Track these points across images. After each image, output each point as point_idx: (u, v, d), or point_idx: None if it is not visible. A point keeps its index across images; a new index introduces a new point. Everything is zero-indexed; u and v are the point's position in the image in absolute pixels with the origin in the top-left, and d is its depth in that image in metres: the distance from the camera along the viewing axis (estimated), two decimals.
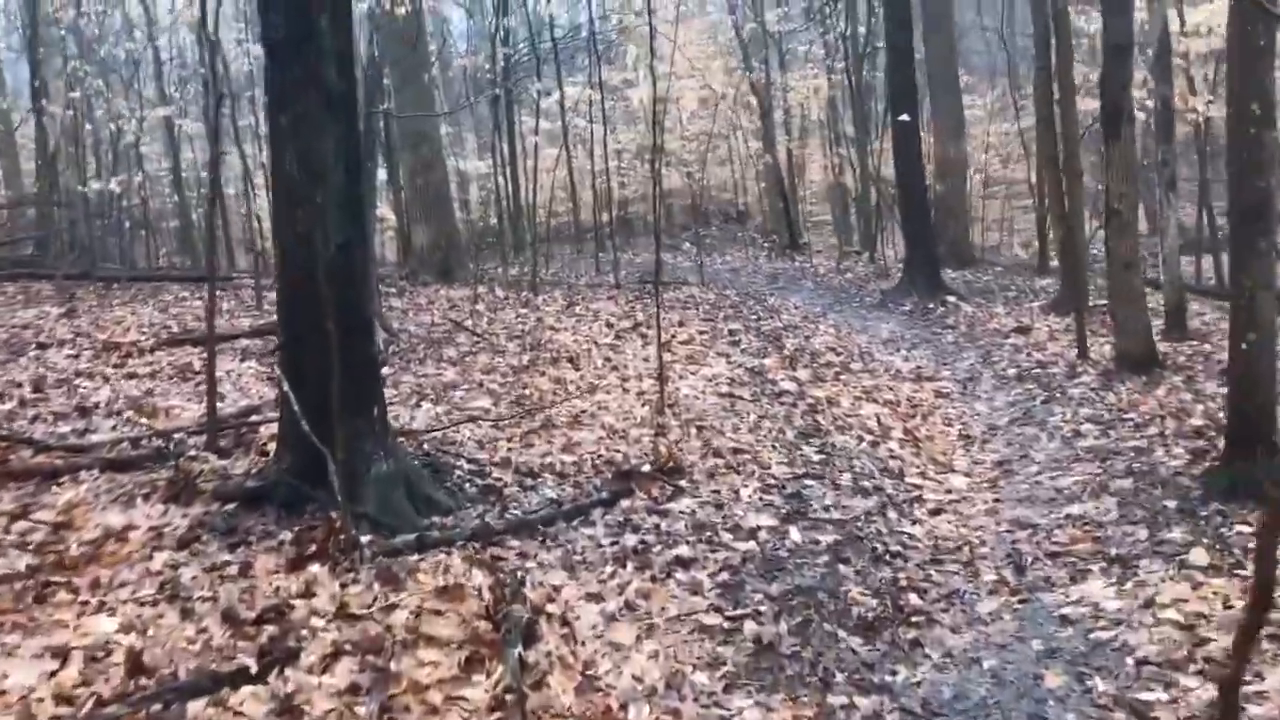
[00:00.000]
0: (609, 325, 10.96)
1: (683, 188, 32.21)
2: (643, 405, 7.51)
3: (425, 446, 6.16)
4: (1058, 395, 8.17)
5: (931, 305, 12.89)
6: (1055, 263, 18.40)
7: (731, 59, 25.65)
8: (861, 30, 22.46)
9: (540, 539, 5.04)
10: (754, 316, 12.15)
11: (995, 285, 15.00)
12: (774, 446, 6.73)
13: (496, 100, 22.42)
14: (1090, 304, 11.56)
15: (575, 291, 14.28)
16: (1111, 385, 8.20)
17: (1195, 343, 9.81)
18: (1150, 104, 14.19)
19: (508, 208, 28.80)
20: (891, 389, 8.61)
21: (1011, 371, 9.09)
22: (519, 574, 4.52)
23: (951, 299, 13.39)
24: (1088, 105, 12.44)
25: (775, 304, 13.93)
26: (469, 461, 6.01)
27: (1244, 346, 5.22)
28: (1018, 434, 7.40)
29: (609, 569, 4.75)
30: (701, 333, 10.64)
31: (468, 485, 5.71)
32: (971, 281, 15.55)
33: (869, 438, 7.17)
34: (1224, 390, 7.72)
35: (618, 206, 34.87)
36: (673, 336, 10.32)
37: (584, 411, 7.30)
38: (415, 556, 4.64)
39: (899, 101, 13.69)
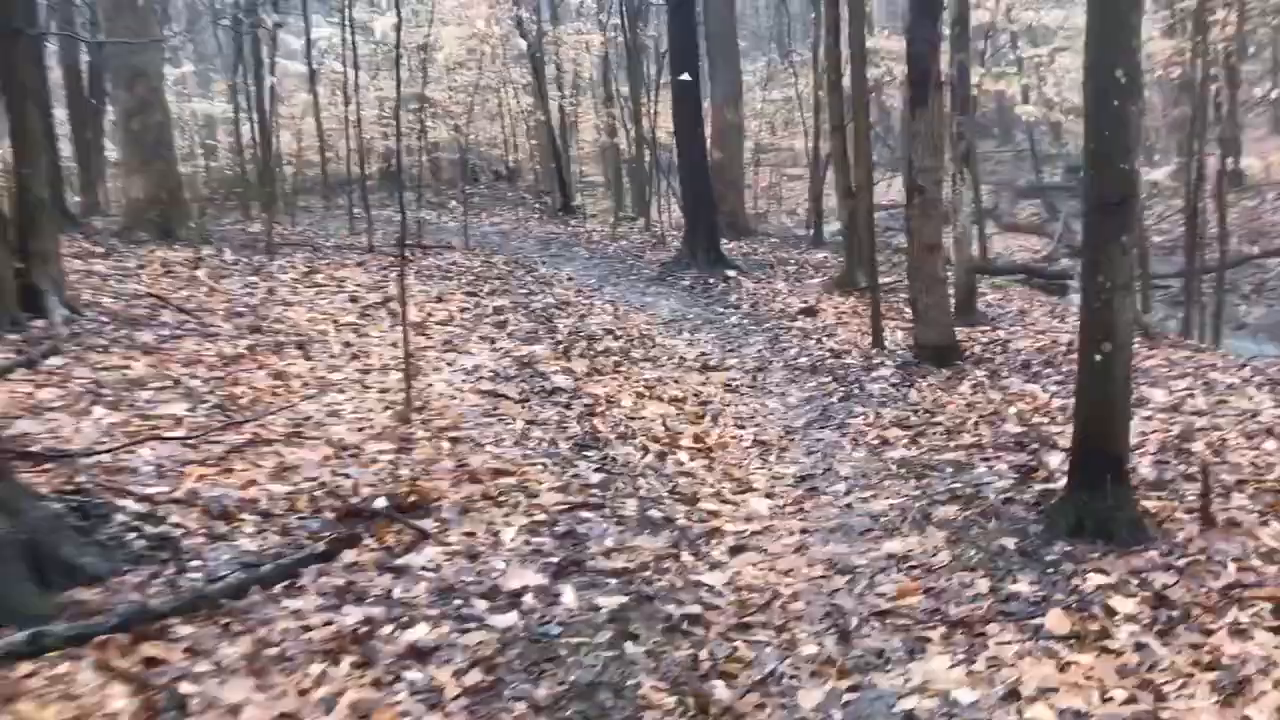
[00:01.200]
0: (354, 299, 9.43)
1: (450, 142, 30.49)
2: (385, 409, 6.12)
3: (82, 478, 4.58)
4: (856, 392, 7.30)
5: (713, 280, 11.97)
6: (833, 236, 18.05)
7: (500, 5, 24.06)
8: None
9: (223, 623, 3.63)
10: (524, 290, 10.87)
11: (774, 258, 14.27)
12: (545, 465, 5.50)
13: (238, 33, 20.02)
14: (865, 283, 10.92)
15: (321, 255, 12.55)
16: (912, 380, 7.41)
17: (987, 329, 9.24)
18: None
19: (253, 157, 26.38)
20: (677, 382, 7.54)
21: (803, 361, 8.19)
22: (176, 691, 3.14)
23: (733, 273, 12.52)
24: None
25: (547, 274, 12.69)
26: (139, 500, 4.47)
27: (1097, 359, 4.36)
28: (818, 439, 6.46)
29: (315, 669, 3.41)
30: (463, 310, 9.28)
31: (133, 537, 4.20)
32: (749, 254, 14.78)
33: (655, 447, 6.05)
34: (1031, 387, 7.06)
35: (383, 159, 32.83)
36: (428, 316, 8.93)
37: (308, 419, 5.85)
38: (22, 669, 3.17)
39: (679, 58, 12.63)
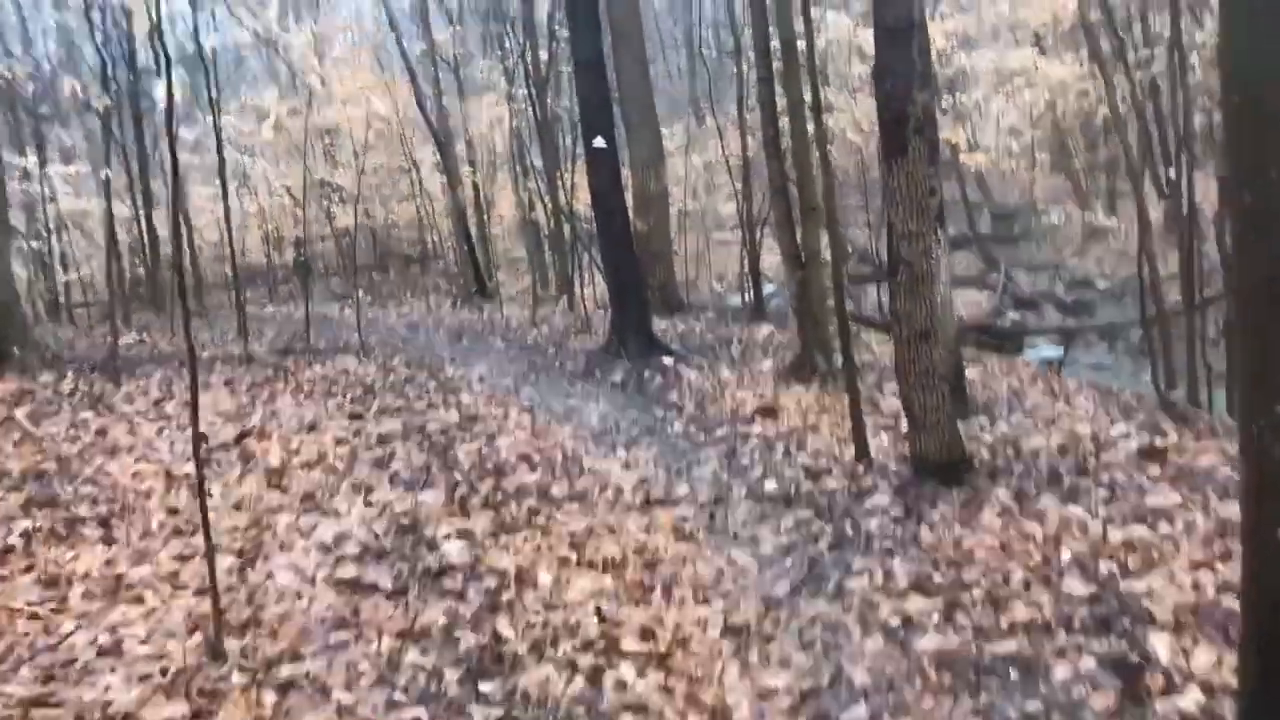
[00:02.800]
0: (203, 438, 7.41)
1: (364, 226, 28.49)
2: (192, 631, 4.16)
3: None
4: (849, 533, 5.46)
5: (647, 372, 10.12)
6: (776, 305, 16.41)
7: (399, 85, 22.30)
8: (544, 56, 19.92)
9: None
10: (422, 405, 8.94)
11: (713, 338, 12.50)
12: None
13: (108, 123, 18.04)
14: (827, 369, 9.19)
15: (184, 374, 10.50)
16: (919, 510, 5.60)
17: (985, 420, 7.51)
18: None
19: (144, 258, 24.27)
20: (613, 531, 5.64)
21: (772, 486, 6.33)
22: None
23: (670, 361, 10.70)
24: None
25: (455, 377, 10.78)
26: None
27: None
28: (811, 617, 4.58)
29: None
30: (340, 443, 7.31)
31: None
32: (686, 333, 13.00)
33: (586, 661, 4.14)
34: (1075, 511, 5.30)
35: (294, 248, 30.72)
36: (292, 455, 6.96)
37: (70, 664, 3.87)
38: None
39: (592, 123, 10.89)
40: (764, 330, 12.86)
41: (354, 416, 8.14)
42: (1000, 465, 6.26)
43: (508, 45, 21.83)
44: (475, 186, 26.79)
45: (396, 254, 25.66)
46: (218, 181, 27.50)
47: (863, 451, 6.52)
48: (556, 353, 12.22)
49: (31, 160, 24.63)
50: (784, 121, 9.86)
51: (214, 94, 14.96)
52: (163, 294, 25.13)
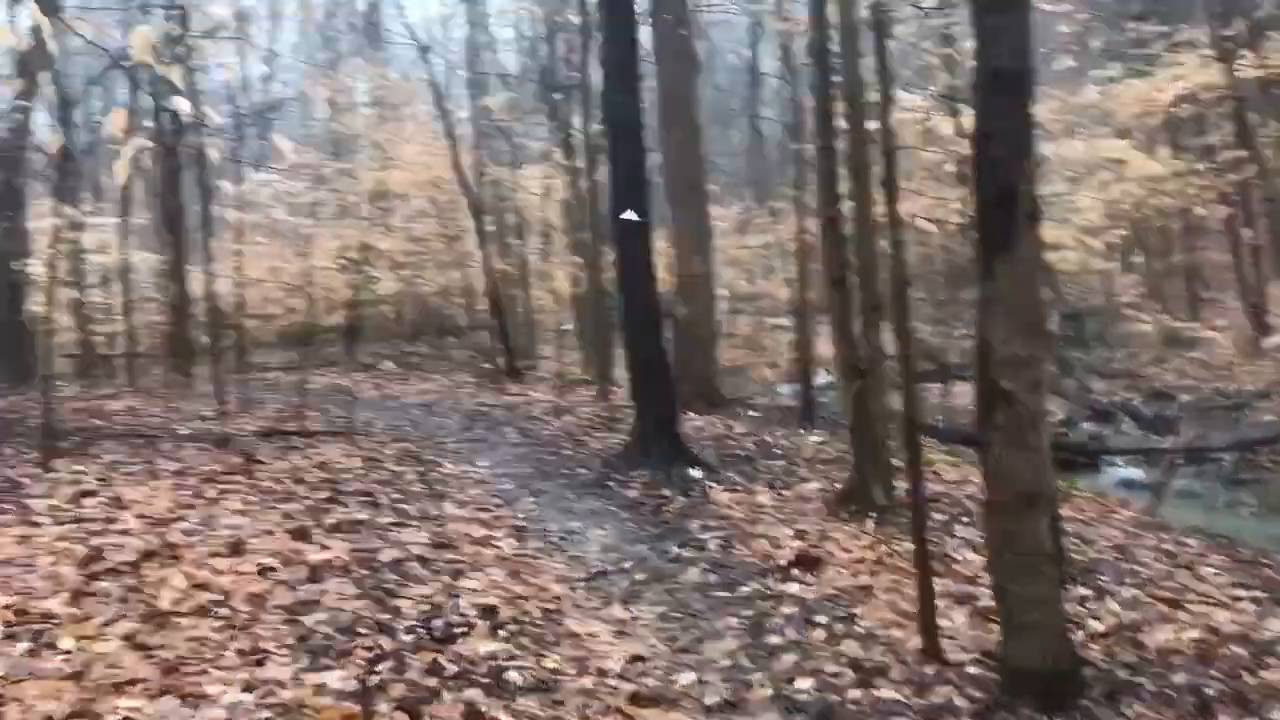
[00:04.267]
0: (93, 557, 5.85)
1: (397, 296, 27.32)
2: None
3: None
4: None
5: (668, 490, 8.45)
6: (830, 409, 14.69)
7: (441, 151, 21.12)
8: (596, 126, 18.66)
9: None
10: (391, 517, 7.35)
11: (754, 445, 10.81)
12: None
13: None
14: (887, 504, 7.47)
15: (134, 457, 9.06)
16: None
17: (1088, 592, 5.73)
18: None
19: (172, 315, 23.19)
20: None
21: (806, 687, 4.59)
22: None
23: (698, 475, 9.04)
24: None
25: (448, 477, 9.22)
26: None
27: None
28: None
29: None
30: (262, 572, 5.71)
31: None
32: (723, 437, 11.32)
33: None
34: None
35: (337, 311, 29.61)
36: (194, 590, 5.37)
37: None
38: None
39: (624, 194, 9.39)
40: (812, 439, 11.15)
41: (298, 535, 6.53)
42: (1121, 679, 4.48)
43: (562, 113, 20.64)
44: (523, 260, 25.56)
45: (432, 325, 24.30)
46: (258, 239, 26.56)
47: (932, 645, 4.77)
48: (573, 452, 10.60)
49: (81, 208, 23.86)
50: (847, 206, 8.30)
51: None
52: (190, 355, 24.06)
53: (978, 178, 4.25)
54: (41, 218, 23.84)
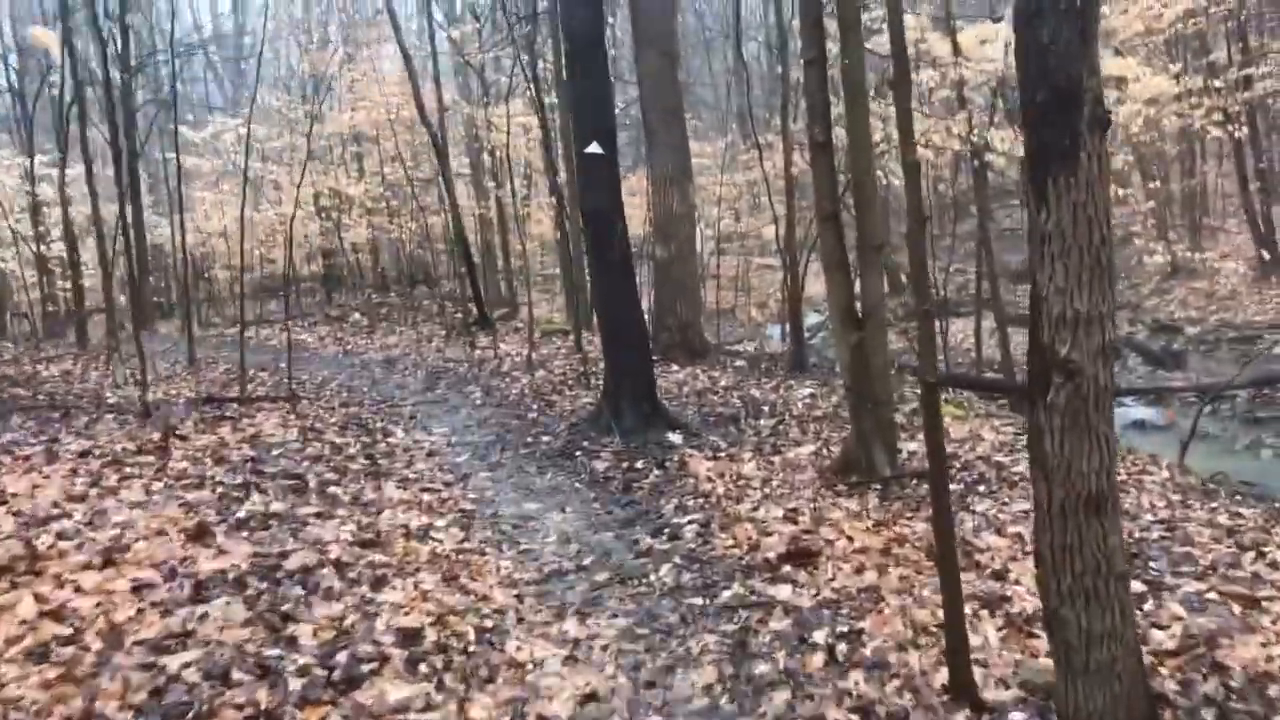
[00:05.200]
0: None
1: (366, 243, 26.02)
2: None
3: None
4: None
5: (641, 461, 7.37)
6: (822, 353, 13.55)
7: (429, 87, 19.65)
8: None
9: None
10: (317, 500, 6.28)
11: (739, 400, 9.72)
12: None
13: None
14: (891, 473, 6.42)
15: (35, 433, 7.96)
16: None
17: (1144, 589, 4.66)
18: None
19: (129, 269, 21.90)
20: None
21: None
22: None
23: (674, 439, 7.96)
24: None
25: (396, 449, 8.14)
26: None
27: None
28: None
29: None
30: (136, 590, 4.63)
31: None
32: (705, 391, 10.23)
33: None
34: None
35: (315, 260, 28.31)
36: (41, 619, 4.29)
37: None
38: None
39: (586, 122, 8.18)
40: (804, 392, 10.05)
41: (195, 535, 5.44)
42: None
43: (533, 45, 19.23)
44: (498, 201, 24.23)
45: (402, 275, 23.05)
46: (225, 188, 25.17)
47: (962, 677, 3.71)
48: (539, 414, 9.50)
49: (42, 159, 22.41)
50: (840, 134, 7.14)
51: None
52: (147, 312, 22.82)
53: (1024, 73, 3.09)
54: None
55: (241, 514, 5.88)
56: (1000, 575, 4.94)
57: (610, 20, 17.69)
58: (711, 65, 36.75)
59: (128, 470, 6.89)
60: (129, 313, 23.56)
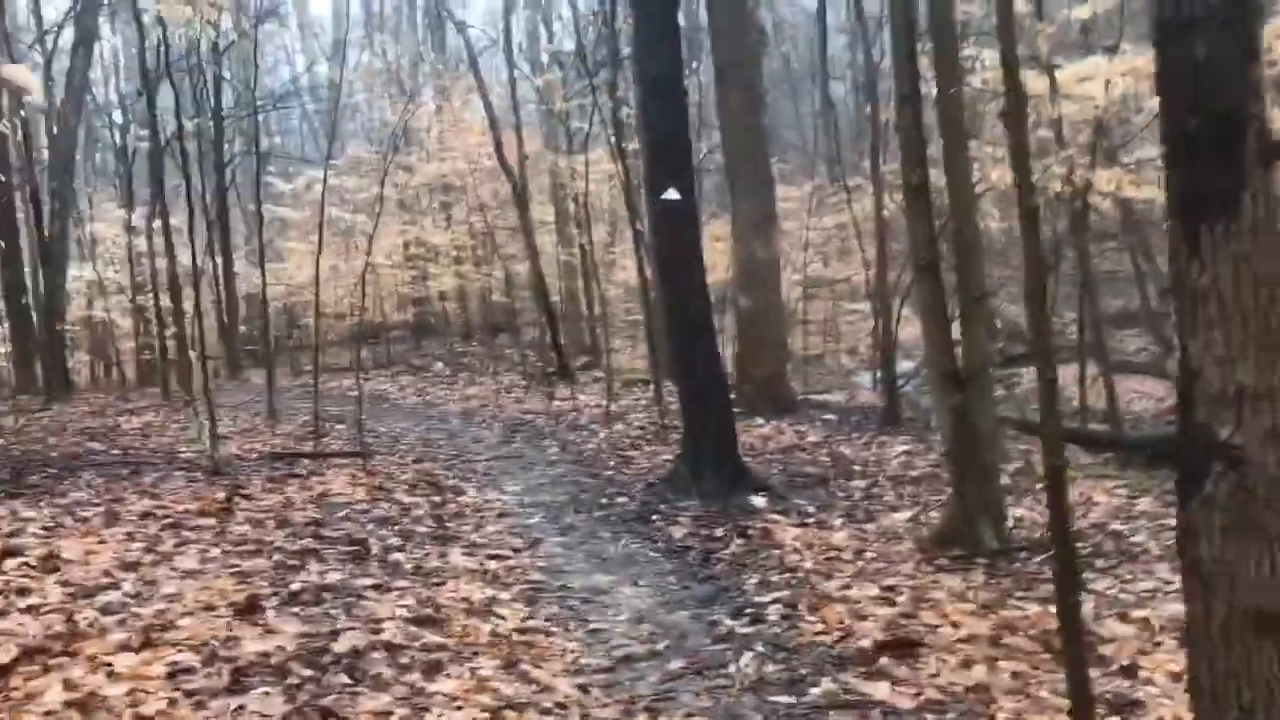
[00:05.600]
0: None
1: (455, 290, 26.07)
2: None
3: None
4: None
5: (721, 529, 6.86)
6: (918, 405, 12.88)
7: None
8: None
9: None
10: (377, 569, 5.93)
11: (829, 459, 9.17)
12: None
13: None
14: (998, 547, 5.83)
15: (91, 495, 7.79)
16: None
17: None
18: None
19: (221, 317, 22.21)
20: None
21: None
22: None
23: (758, 502, 7.45)
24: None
25: (466, 509, 7.79)
26: None
27: None
28: None
29: None
30: (172, 676, 4.28)
31: None
32: (792, 450, 9.70)
33: None
34: None
35: (406, 308, 28.45)
36: (65, 710, 3.96)
37: None
38: None
39: (661, 164, 7.81)
40: (897, 449, 9.46)
41: (245, 610, 5.10)
42: None
43: (620, 93, 19.05)
44: (582, 248, 24.08)
45: (485, 325, 22.94)
46: (311, 238, 25.44)
47: None
48: (615, 472, 9.08)
49: (137, 212, 22.98)
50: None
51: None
52: (238, 362, 23.08)
53: (1170, 99, 2.58)
54: (87, 222, 23.12)
55: (296, 585, 5.53)
56: (1130, 671, 4.32)
57: (694, 64, 17.41)
58: (799, 108, 36.35)
59: (187, 534, 6.64)
60: (224, 362, 23.93)
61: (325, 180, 12.04)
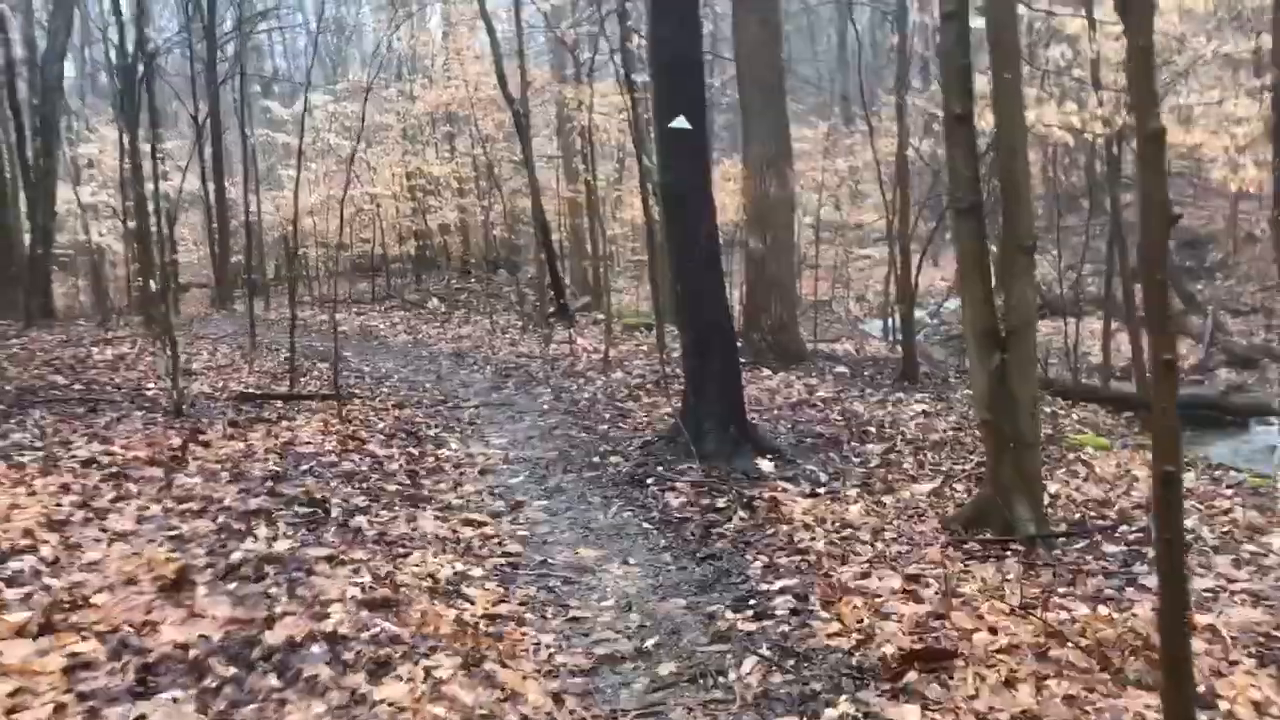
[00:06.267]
0: None
1: (474, 225, 25.12)
2: None
3: None
4: None
5: (724, 499, 6.12)
6: (936, 359, 12.08)
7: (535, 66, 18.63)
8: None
9: None
10: (335, 534, 5.21)
11: (840, 416, 8.43)
12: None
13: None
14: (1036, 532, 5.11)
15: (60, 431, 7.07)
16: None
17: None
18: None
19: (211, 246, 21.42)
20: None
21: None
22: None
23: (765, 466, 6.72)
24: None
25: (444, 462, 7.09)
26: None
27: None
28: None
29: None
30: (72, 669, 3.59)
31: None
32: (801, 405, 8.96)
33: None
34: None
35: (408, 239, 27.54)
36: None
37: None
38: None
39: (671, 92, 6.95)
40: (915, 408, 8.72)
41: (170, 586, 4.39)
42: None
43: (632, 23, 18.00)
44: (587, 184, 23.12)
45: (487, 258, 22.07)
46: (310, 165, 24.48)
47: None
48: (610, 425, 8.35)
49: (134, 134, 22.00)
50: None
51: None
52: (227, 290, 22.26)
53: None
54: (84, 144, 22.19)
55: (237, 555, 4.82)
56: (1208, 701, 3.60)
57: None
58: (815, 48, 35.08)
59: (129, 486, 5.93)
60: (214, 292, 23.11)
61: (306, 102, 11.11)
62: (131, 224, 21.26)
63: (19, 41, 18.16)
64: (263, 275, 16.86)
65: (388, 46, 19.89)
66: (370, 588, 4.58)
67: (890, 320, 16.61)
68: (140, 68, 14.24)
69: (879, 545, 5.29)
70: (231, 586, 4.46)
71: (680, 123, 6.77)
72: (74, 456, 6.51)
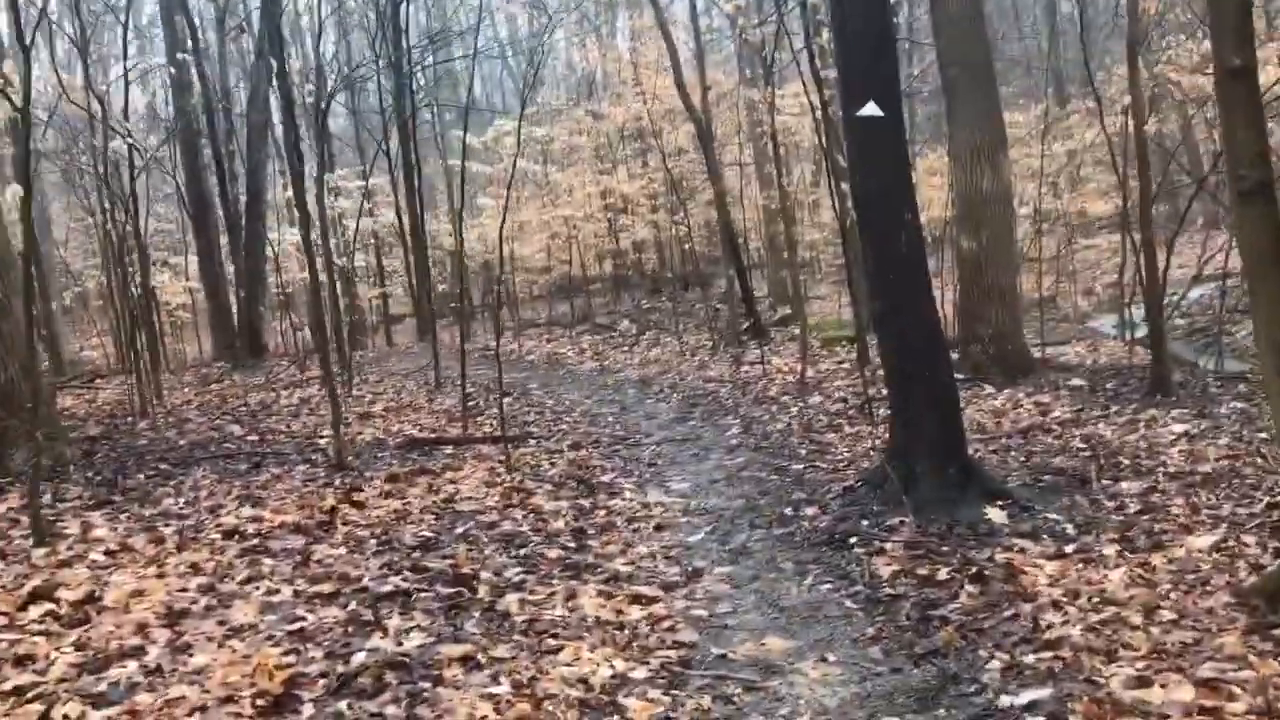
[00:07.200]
0: None
1: (647, 242, 24.55)
2: None
3: None
4: None
5: (945, 568, 4.95)
6: (1189, 364, 10.32)
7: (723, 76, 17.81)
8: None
9: None
10: (477, 624, 4.43)
11: (1080, 443, 7.06)
12: None
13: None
14: None
15: (215, 492, 6.66)
16: None
17: None
18: None
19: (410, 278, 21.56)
20: None
21: None
22: None
23: (995, 517, 5.51)
24: None
25: (616, 516, 6.26)
26: None
27: None
28: None
29: None
30: None
31: None
32: (1033, 432, 7.61)
33: None
34: None
35: (605, 261, 27.28)
36: None
37: None
38: None
39: (859, 77, 5.87)
40: (1174, 429, 7.23)
41: (269, 710, 3.68)
42: None
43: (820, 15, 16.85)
44: (782, 189, 22.05)
45: (679, 275, 21.30)
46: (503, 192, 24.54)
47: None
48: (805, 465, 7.28)
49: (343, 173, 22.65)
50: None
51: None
52: (428, 322, 22.34)
53: None
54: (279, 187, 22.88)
55: (359, 657, 4.08)
56: None
57: None
58: (1020, 28, 32.68)
59: (266, 563, 5.36)
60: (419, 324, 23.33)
61: (519, 130, 10.58)
62: (340, 261, 21.75)
63: (214, 89, 18.77)
64: (468, 303, 16.70)
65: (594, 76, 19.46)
66: (508, 702, 3.74)
67: (1127, 314, 14.76)
68: (323, 104, 14.25)
69: (1154, 631, 4.03)
70: (342, 706, 3.71)
71: (871, 109, 5.67)
72: (220, 524, 6.04)
